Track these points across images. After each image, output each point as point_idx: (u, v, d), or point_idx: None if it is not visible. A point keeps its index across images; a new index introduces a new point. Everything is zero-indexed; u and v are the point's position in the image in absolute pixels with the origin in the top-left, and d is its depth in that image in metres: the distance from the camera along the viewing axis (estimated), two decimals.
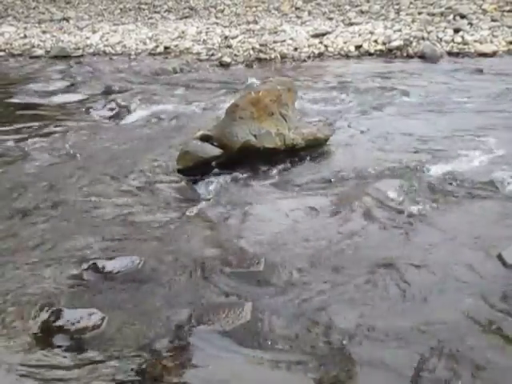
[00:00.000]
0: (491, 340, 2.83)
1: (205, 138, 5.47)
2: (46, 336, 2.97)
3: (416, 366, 2.66)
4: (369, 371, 2.67)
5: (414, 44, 11.50)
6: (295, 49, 12.15)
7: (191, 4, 17.53)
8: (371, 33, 12.40)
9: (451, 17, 12.64)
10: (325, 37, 12.58)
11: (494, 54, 10.79)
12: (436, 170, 4.99)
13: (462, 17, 12.54)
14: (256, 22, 14.63)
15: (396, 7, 14.30)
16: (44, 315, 3.11)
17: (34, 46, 14.73)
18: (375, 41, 11.98)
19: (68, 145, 6.33)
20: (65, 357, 2.84)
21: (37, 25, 17.06)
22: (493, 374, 2.60)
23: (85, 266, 3.65)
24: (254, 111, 5.54)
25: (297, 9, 15.74)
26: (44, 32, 15.98)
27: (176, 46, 13.65)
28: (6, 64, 13.28)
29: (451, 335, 2.86)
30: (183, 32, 14.50)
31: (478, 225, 4.05)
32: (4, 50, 14.83)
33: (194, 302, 3.24)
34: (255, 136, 5.47)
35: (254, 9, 16.25)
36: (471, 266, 3.49)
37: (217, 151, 5.39)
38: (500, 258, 3.55)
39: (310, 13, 15.15)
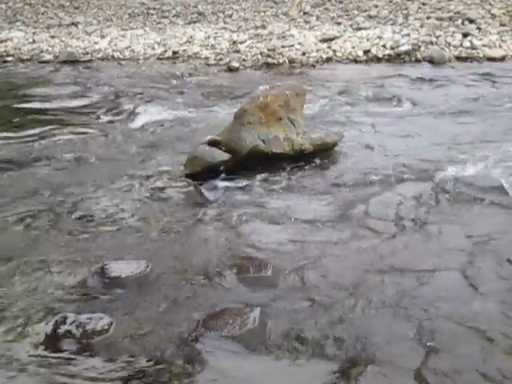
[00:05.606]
0: (500, 345, 2.80)
1: (213, 143, 5.47)
2: (53, 341, 2.96)
3: (424, 367, 2.64)
4: (379, 375, 2.65)
5: (423, 49, 11.48)
6: (303, 53, 12.16)
7: (199, 9, 17.57)
8: (379, 37, 12.39)
9: (460, 21, 12.61)
10: (333, 41, 12.58)
11: (502, 59, 10.77)
12: (445, 175, 4.97)
13: (471, 21, 12.51)
14: (264, 27, 14.65)
15: (404, 12, 14.27)
16: (51, 320, 3.11)
17: (42, 51, 14.81)
18: (383, 45, 11.98)
19: (76, 149, 6.34)
20: (72, 362, 2.83)
21: (45, 30, 17.15)
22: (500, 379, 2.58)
23: (92, 270, 3.65)
24: (262, 116, 5.53)
25: (305, 14, 15.74)
26: (53, 37, 16.06)
27: (184, 50, 13.69)
28: (14, 69, 13.36)
29: (460, 338, 2.84)
30: (191, 37, 14.53)
31: (487, 229, 4.03)
32: (13, 55, 14.91)
33: (201, 307, 3.22)
34: (263, 141, 5.47)
35: (262, 14, 16.27)
36: (481, 271, 3.47)
37: (225, 156, 5.38)
38: (510, 262, 3.53)
39: (318, 18, 15.15)
